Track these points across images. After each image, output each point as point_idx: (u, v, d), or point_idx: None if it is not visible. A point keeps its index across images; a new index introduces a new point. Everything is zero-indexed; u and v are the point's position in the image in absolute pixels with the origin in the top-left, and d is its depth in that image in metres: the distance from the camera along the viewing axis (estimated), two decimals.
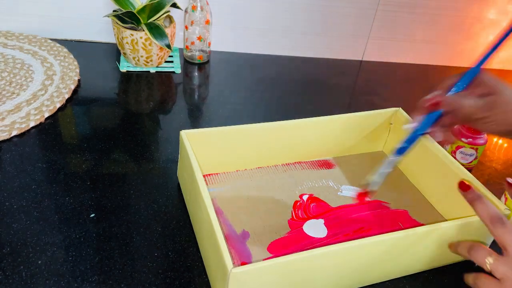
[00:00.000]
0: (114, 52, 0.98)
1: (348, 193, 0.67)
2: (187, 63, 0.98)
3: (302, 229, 0.60)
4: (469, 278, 0.46)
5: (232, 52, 1.05)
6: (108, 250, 0.54)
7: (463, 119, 0.48)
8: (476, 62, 0.49)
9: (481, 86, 0.48)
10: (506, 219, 0.45)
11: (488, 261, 0.44)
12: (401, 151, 0.50)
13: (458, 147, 0.74)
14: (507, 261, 0.43)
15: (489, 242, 0.61)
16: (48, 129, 0.73)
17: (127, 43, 0.87)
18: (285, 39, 1.05)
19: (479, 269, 0.47)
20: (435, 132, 0.50)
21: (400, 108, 0.73)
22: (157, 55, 0.91)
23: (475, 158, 0.75)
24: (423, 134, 0.48)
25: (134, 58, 0.90)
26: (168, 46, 0.87)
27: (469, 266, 0.59)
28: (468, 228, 0.56)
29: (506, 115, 0.47)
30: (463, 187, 0.49)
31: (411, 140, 0.49)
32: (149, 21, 0.87)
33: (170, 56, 0.99)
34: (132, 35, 0.86)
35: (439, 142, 0.49)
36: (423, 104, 0.49)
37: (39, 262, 0.52)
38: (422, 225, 0.55)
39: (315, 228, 0.59)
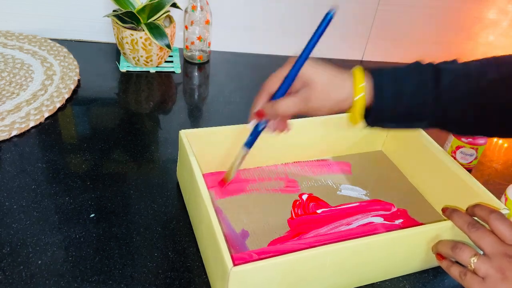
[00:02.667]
0: (114, 52, 0.98)
1: (347, 192, 0.67)
2: (187, 63, 0.98)
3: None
4: (455, 271, 0.48)
5: (232, 52, 1.05)
6: (108, 250, 0.54)
7: (287, 117, 0.52)
8: (293, 64, 0.50)
9: (298, 79, 0.50)
10: (480, 224, 0.48)
11: (473, 260, 0.46)
12: (248, 144, 0.55)
13: (458, 147, 0.74)
14: (488, 260, 0.45)
15: None
16: (48, 129, 0.73)
17: (127, 43, 0.87)
18: (285, 39, 1.05)
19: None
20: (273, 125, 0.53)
21: None
22: (157, 55, 0.91)
23: (475, 158, 0.75)
24: (263, 128, 0.53)
25: (134, 58, 0.90)
26: (168, 46, 0.87)
27: None
28: None
29: (323, 102, 0.50)
30: (442, 210, 0.53)
31: (254, 134, 0.54)
32: (149, 21, 0.87)
33: (170, 56, 0.99)
34: (132, 35, 0.86)
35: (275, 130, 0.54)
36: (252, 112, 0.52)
37: (39, 262, 0.52)
38: (422, 224, 0.55)
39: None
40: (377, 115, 0.50)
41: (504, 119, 0.50)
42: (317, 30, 0.48)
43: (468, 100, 0.49)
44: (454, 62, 0.52)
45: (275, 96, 0.50)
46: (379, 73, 0.50)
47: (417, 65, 0.52)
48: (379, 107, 0.50)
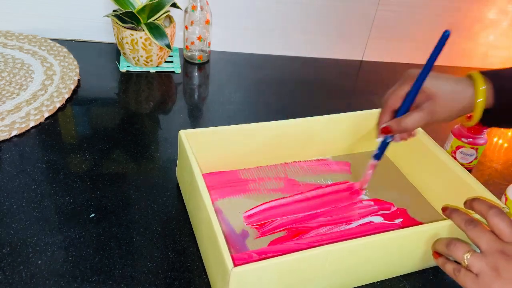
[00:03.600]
0: (114, 52, 0.98)
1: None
2: (187, 63, 0.98)
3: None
4: (450, 267, 0.48)
5: (232, 52, 1.05)
6: (108, 250, 0.54)
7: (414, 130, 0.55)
8: (415, 80, 0.52)
9: (421, 93, 0.52)
10: (477, 222, 0.48)
11: (466, 257, 0.46)
12: (377, 156, 0.60)
13: (458, 147, 0.74)
14: (482, 257, 0.45)
15: None
16: (48, 129, 0.73)
17: (127, 43, 0.87)
18: (285, 39, 1.05)
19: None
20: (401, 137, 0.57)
21: None
22: (157, 55, 0.91)
23: (475, 158, 0.75)
24: (390, 141, 0.58)
25: (134, 58, 0.90)
26: (168, 46, 0.87)
27: None
28: None
29: (448, 112, 0.52)
30: (442, 210, 0.54)
31: (382, 148, 0.59)
32: (149, 21, 0.87)
33: (170, 56, 0.99)
34: (132, 35, 0.86)
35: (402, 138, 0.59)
36: (379, 127, 0.56)
37: (39, 262, 0.52)
38: (422, 224, 0.55)
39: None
40: (496, 116, 0.53)
41: None
42: (436, 46, 0.51)
43: None
44: None
45: (399, 113, 0.53)
46: (498, 76, 0.52)
47: None
48: (499, 109, 0.52)
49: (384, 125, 0.54)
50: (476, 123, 0.55)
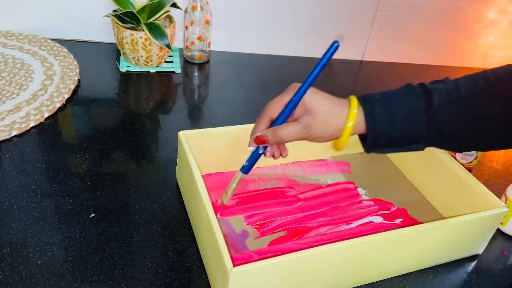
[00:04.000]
0: (114, 52, 0.98)
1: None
2: (187, 63, 0.98)
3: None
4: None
5: (232, 52, 1.05)
6: (108, 250, 0.54)
7: (288, 142, 0.52)
8: (295, 91, 0.50)
9: (300, 107, 0.50)
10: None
11: None
12: (245, 169, 0.54)
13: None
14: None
15: (488, 239, 0.61)
16: (48, 129, 0.73)
17: (127, 43, 0.87)
18: (285, 39, 1.05)
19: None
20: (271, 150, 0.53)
21: None
22: (157, 55, 0.91)
23: (475, 158, 0.75)
24: (262, 153, 0.52)
25: (134, 58, 0.90)
26: (168, 46, 0.87)
27: (469, 265, 0.60)
28: (467, 226, 0.56)
29: (324, 130, 0.50)
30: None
31: (252, 159, 0.53)
32: (149, 21, 0.87)
33: (170, 56, 0.99)
34: (132, 35, 0.86)
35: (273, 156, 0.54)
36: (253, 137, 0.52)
37: (39, 262, 0.52)
38: (421, 223, 0.55)
39: None
40: (373, 142, 0.51)
41: (499, 131, 0.49)
42: (322, 58, 0.48)
43: (462, 117, 0.49)
44: (445, 80, 0.52)
45: (276, 122, 0.50)
46: (371, 101, 0.51)
47: (408, 88, 0.52)
48: (373, 134, 0.50)
49: (258, 134, 0.50)
50: (342, 148, 0.52)
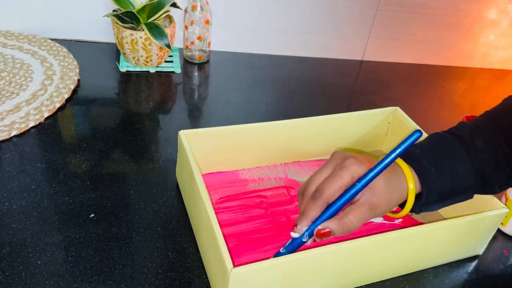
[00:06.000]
0: (114, 52, 0.98)
1: None
2: (187, 63, 0.98)
3: None
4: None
5: (232, 52, 1.05)
6: (108, 250, 0.54)
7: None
8: (362, 178, 0.46)
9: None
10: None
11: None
12: (279, 255, 0.48)
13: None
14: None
15: (488, 240, 0.61)
16: (47, 129, 0.73)
17: (126, 43, 0.87)
18: (285, 39, 1.05)
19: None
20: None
21: (398, 107, 0.73)
22: (157, 55, 0.91)
23: None
24: (304, 242, 0.48)
25: (134, 58, 0.90)
26: (168, 46, 0.87)
27: (469, 265, 0.60)
28: (468, 227, 0.56)
29: (388, 204, 0.48)
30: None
31: (292, 247, 0.48)
32: (149, 21, 0.87)
33: (170, 56, 0.99)
34: (132, 35, 0.86)
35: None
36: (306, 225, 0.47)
37: (39, 262, 0.52)
38: (422, 224, 0.55)
39: None
40: (425, 206, 0.51)
41: None
42: (399, 146, 0.45)
43: (500, 150, 0.51)
44: (482, 117, 0.53)
45: (333, 207, 0.45)
46: (416, 159, 0.50)
47: (456, 147, 0.51)
48: (428, 201, 0.50)
49: (320, 227, 0.45)
50: (407, 212, 0.51)
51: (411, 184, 0.48)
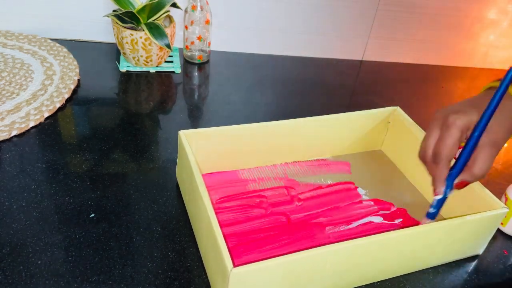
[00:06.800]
0: (114, 52, 0.98)
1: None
2: (187, 63, 0.98)
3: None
4: None
5: (232, 52, 1.05)
6: (108, 250, 0.54)
7: None
8: (474, 129, 0.49)
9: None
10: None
11: None
12: (432, 216, 0.54)
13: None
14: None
15: (488, 239, 0.61)
16: (48, 129, 0.73)
17: (126, 43, 0.87)
18: (285, 39, 1.05)
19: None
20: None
21: (398, 107, 0.73)
22: (157, 55, 0.91)
23: None
24: (447, 197, 0.53)
25: (134, 58, 0.90)
26: (168, 46, 0.87)
27: (469, 265, 0.60)
28: (467, 227, 0.56)
29: (507, 132, 0.50)
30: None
31: (439, 205, 0.54)
32: (149, 21, 0.87)
33: (170, 56, 0.99)
34: (132, 35, 0.86)
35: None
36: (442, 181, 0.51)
37: (39, 262, 0.52)
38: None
39: None
40: None
41: None
42: (499, 88, 0.47)
43: None
44: None
45: (460, 161, 0.50)
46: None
47: None
48: None
49: (458, 181, 0.50)
50: None
51: None
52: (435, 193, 0.52)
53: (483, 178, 0.50)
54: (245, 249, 0.56)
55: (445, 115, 0.50)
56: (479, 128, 0.48)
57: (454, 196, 0.62)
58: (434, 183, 0.51)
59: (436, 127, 0.51)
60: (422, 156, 0.52)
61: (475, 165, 0.49)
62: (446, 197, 0.52)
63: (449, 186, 0.51)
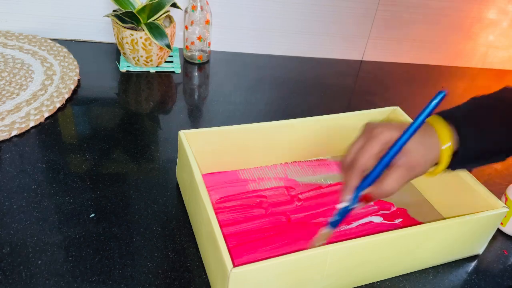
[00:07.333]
0: (114, 52, 0.98)
1: None
2: (187, 63, 0.98)
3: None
4: None
5: (232, 52, 1.05)
6: (108, 250, 0.54)
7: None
8: (393, 145, 0.48)
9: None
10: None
11: None
12: (334, 224, 0.51)
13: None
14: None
15: (488, 239, 0.61)
16: (48, 129, 0.73)
17: (127, 43, 0.87)
18: (285, 39, 1.05)
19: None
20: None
21: (398, 107, 0.73)
22: (157, 55, 0.91)
23: None
24: (352, 209, 0.50)
25: (134, 58, 0.90)
26: (168, 46, 0.87)
27: (469, 265, 0.60)
28: (467, 226, 0.56)
29: (425, 164, 0.49)
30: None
31: (342, 214, 0.51)
32: (149, 21, 0.87)
33: (170, 56, 0.99)
34: (132, 35, 0.86)
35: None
36: (350, 193, 0.50)
37: (39, 262, 0.52)
38: (421, 223, 0.55)
39: None
40: (461, 163, 0.51)
41: None
42: (425, 108, 0.47)
43: None
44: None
45: (371, 176, 0.48)
46: (454, 118, 0.50)
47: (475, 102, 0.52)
48: (464, 157, 0.50)
49: (363, 193, 0.48)
50: (443, 170, 0.51)
51: (448, 143, 0.49)
52: (340, 200, 0.50)
53: (388, 196, 0.48)
54: (245, 249, 0.56)
55: (373, 128, 0.50)
56: (396, 145, 0.47)
57: (454, 196, 0.62)
58: (343, 189, 0.50)
59: (362, 137, 0.51)
60: (342, 162, 0.51)
61: (384, 181, 0.47)
62: (349, 209, 0.50)
63: (356, 197, 0.49)
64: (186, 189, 0.61)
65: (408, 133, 0.47)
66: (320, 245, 0.51)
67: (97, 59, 0.95)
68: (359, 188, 0.49)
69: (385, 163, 0.48)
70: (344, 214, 0.50)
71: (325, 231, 0.51)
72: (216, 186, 0.65)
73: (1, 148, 0.68)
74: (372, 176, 0.48)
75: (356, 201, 0.49)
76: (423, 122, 0.47)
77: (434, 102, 0.46)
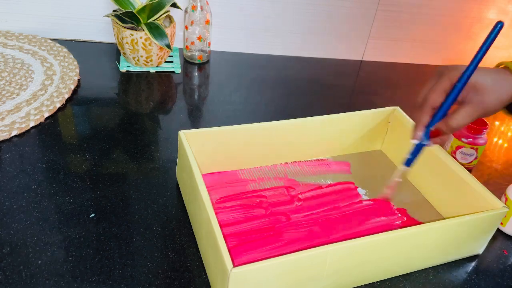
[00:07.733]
0: (114, 52, 0.98)
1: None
2: (187, 63, 0.98)
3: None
4: None
5: (232, 52, 1.05)
6: (108, 250, 0.54)
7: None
8: (461, 74, 0.50)
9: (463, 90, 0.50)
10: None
11: None
12: (408, 162, 0.55)
13: (458, 147, 0.74)
14: None
15: (488, 239, 0.61)
16: (48, 129, 0.73)
17: (127, 43, 0.87)
18: (285, 39, 1.05)
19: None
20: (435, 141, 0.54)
21: (398, 107, 0.73)
22: (157, 55, 0.91)
23: (475, 158, 0.75)
24: (424, 145, 0.53)
25: (134, 58, 0.90)
26: (168, 46, 0.87)
27: (469, 265, 0.60)
28: (467, 226, 0.56)
29: (497, 101, 0.50)
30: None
31: (416, 152, 0.54)
32: (149, 21, 0.87)
33: (170, 56, 0.99)
34: (132, 35, 0.86)
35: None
36: (421, 128, 0.52)
37: (39, 262, 0.52)
38: (421, 223, 0.55)
39: None
40: None
41: None
42: (486, 40, 0.48)
43: None
44: None
45: (442, 110, 0.50)
46: None
47: None
48: None
49: (432, 128, 0.50)
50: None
51: None
52: (414, 137, 0.52)
53: (456, 131, 0.50)
54: (245, 249, 0.56)
55: (442, 69, 0.51)
56: (462, 79, 0.49)
57: (454, 196, 0.62)
58: (414, 128, 0.52)
59: (434, 78, 0.52)
60: (416, 104, 0.53)
61: (452, 117, 0.49)
62: (424, 145, 0.52)
63: (427, 133, 0.51)
64: (186, 189, 0.61)
65: (472, 65, 0.48)
66: (395, 182, 0.56)
67: (97, 59, 0.95)
68: (430, 124, 0.50)
69: (453, 96, 0.49)
70: (417, 152, 0.53)
71: (401, 169, 0.54)
72: (216, 186, 0.65)
73: (1, 148, 0.68)
74: (442, 111, 0.50)
75: (427, 138, 0.51)
76: (484, 53, 0.48)
77: (493, 33, 0.48)
